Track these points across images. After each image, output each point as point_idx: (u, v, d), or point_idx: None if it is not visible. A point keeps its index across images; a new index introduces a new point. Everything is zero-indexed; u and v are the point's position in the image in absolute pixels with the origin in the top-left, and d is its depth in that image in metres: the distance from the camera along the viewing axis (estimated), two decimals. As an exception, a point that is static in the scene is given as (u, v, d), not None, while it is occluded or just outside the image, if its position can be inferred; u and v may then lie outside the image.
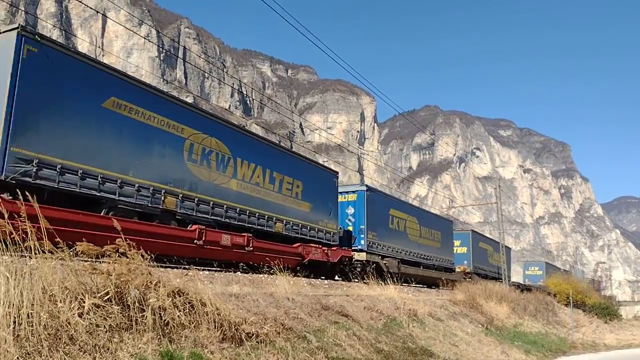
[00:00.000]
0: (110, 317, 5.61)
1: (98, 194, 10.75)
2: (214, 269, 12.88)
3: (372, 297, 13.94)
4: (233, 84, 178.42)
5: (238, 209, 14.83)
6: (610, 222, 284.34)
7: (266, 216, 16.09)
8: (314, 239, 18.44)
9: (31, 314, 4.81)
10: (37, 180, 9.47)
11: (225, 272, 13.44)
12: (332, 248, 19.50)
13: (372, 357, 9.70)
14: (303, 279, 14.88)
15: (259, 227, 15.65)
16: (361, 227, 22.45)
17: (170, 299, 6.40)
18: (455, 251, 36.19)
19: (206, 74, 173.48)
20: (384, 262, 23.45)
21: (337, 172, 21.74)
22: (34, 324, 4.77)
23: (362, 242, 22.26)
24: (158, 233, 11.94)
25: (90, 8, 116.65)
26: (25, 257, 5.35)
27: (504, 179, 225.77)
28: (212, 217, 13.83)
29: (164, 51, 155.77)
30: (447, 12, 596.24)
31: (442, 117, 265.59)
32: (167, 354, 5.82)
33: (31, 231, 5.35)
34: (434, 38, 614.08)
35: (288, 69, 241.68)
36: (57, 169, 9.86)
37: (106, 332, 5.45)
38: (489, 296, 23.72)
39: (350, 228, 22.42)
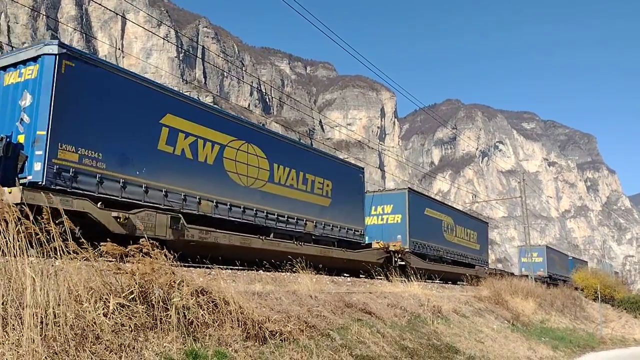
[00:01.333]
0: (135, 317, 5.66)
1: None
2: (237, 267, 12.89)
3: (395, 294, 13.87)
4: (252, 82, 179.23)
5: None
6: (638, 214, 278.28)
7: None
8: None
9: (57, 314, 4.86)
10: None
11: (248, 270, 13.51)
12: None
13: (397, 354, 9.62)
14: (325, 276, 14.84)
15: None
16: (39, 134, 10.23)
17: (194, 298, 6.43)
18: (384, 220, 24.95)
19: (225, 73, 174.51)
20: (117, 215, 11.07)
21: None
22: (60, 324, 4.82)
23: (39, 166, 10.14)
24: None
25: (110, 10, 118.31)
26: (51, 257, 5.41)
27: (528, 172, 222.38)
28: None
29: (183, 51, 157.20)
30: (468, 7, 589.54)
31: (464, 110, 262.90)
32: (191, 353, 5.83)
33: (55, 232, 5.40)
34: (453, 33, 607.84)
35: (307, 66, 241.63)
36: None
37: (131, 331, 5.50)
38: (514, 292, 23.50)
39: (22, 139, 10.46)
